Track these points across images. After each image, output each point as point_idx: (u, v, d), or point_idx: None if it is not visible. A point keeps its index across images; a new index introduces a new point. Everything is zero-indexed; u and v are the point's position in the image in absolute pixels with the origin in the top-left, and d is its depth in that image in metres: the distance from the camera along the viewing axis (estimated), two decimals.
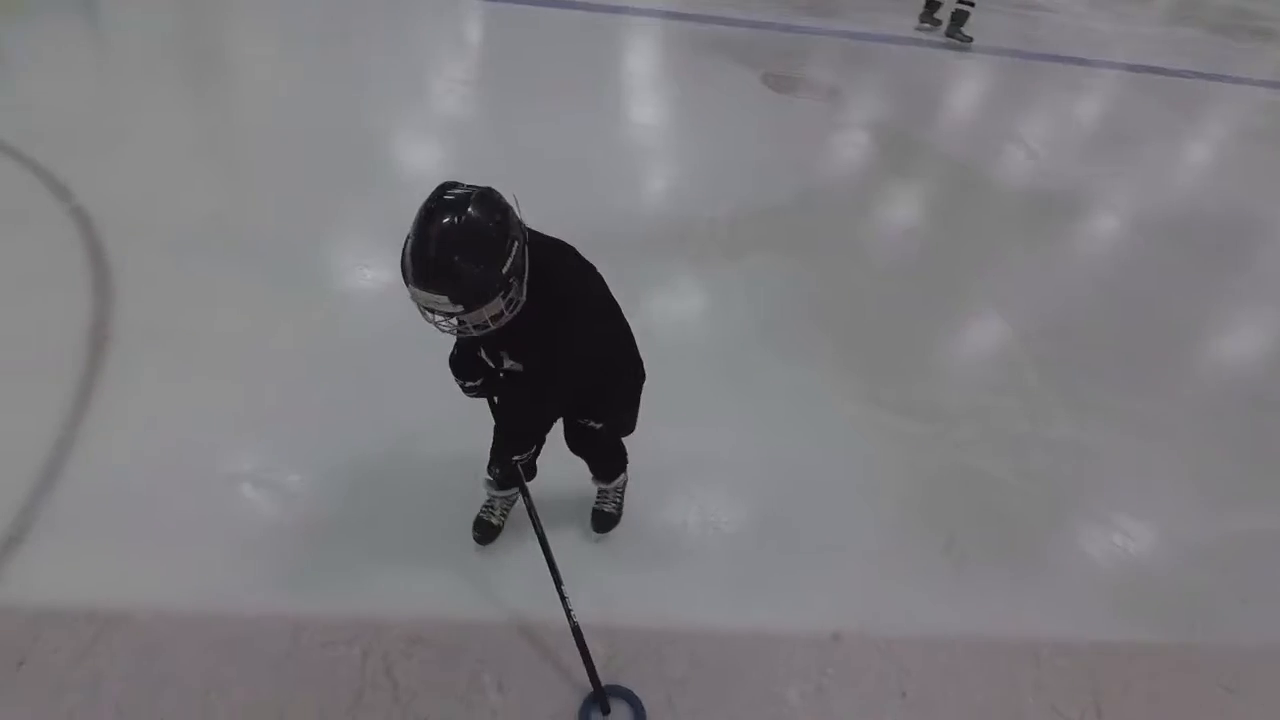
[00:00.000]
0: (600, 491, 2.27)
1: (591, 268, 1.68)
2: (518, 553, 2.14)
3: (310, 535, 2.19)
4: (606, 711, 1.85)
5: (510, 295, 1.44)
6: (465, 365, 1.80)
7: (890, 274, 3.76)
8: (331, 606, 2.00)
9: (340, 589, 2.05)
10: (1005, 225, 4.39)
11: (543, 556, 1.91)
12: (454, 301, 1.35)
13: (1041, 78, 6.68)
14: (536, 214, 1.59)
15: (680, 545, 2.32)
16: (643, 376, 1.94)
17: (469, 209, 1.36)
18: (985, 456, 2.77)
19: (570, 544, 2.18)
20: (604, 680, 1.87)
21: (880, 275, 3.74)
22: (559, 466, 2.15)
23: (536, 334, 1.55)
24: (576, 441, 2.06)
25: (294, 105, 4.62)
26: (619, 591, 2.14)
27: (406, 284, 1.38)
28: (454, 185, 1.42)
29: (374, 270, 3.28)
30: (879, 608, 2.21)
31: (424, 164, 4.27)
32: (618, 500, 2.29)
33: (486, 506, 2.23)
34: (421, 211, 1.38)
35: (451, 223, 1.35)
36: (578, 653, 1.87)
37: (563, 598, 1.89)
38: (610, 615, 2.05)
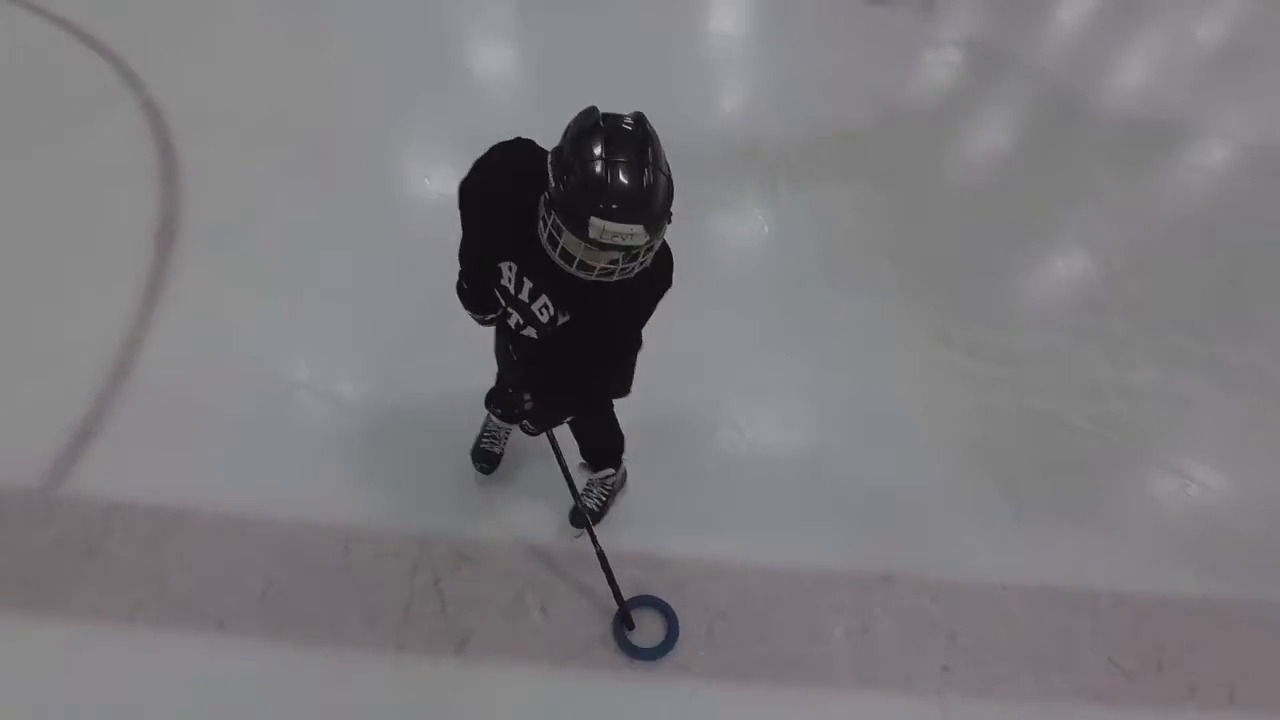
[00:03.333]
0: (587, 483, 2.10)
1: None
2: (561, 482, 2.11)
3: (362, 447, 2.22)
4: (630, 627, 1.88)
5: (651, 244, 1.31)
6: (482, 300, 1.64)
7: (970, 206, 3.51)
8: (382, 519, 2.04)
9: (391, 503, 2.08)
10: (1101, 156, 4.03)
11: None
12: (646, 231, 1.24)
13: None
14: None
15: (730, 478, 2.28)
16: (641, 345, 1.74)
17: (648, 138, 1.27)
18: (1058, 400, 2.62)
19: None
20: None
21: (959, 207, 3.49)
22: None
23: (621, 285, 1.39)
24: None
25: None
26: (663, 521, 2.14)
27: (588, 215, 1.22)
28: (611, 115, 1.28)
29: (434, 182, 3.21)
30: (934, 551, 2.15)
31: (493, 71, 4.12)
32: (603, 498, 2.10)
33: (489, 436, 2.18)
34: (595, 137, 1.25)
35: (638, 150, 1.25)
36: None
37: (590, 526, 1.91)
38: (654, 545, 2.05)
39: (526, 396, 1.61)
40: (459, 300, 1.65)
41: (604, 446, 2.07)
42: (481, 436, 2.19)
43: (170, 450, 2.14)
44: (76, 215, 2.82)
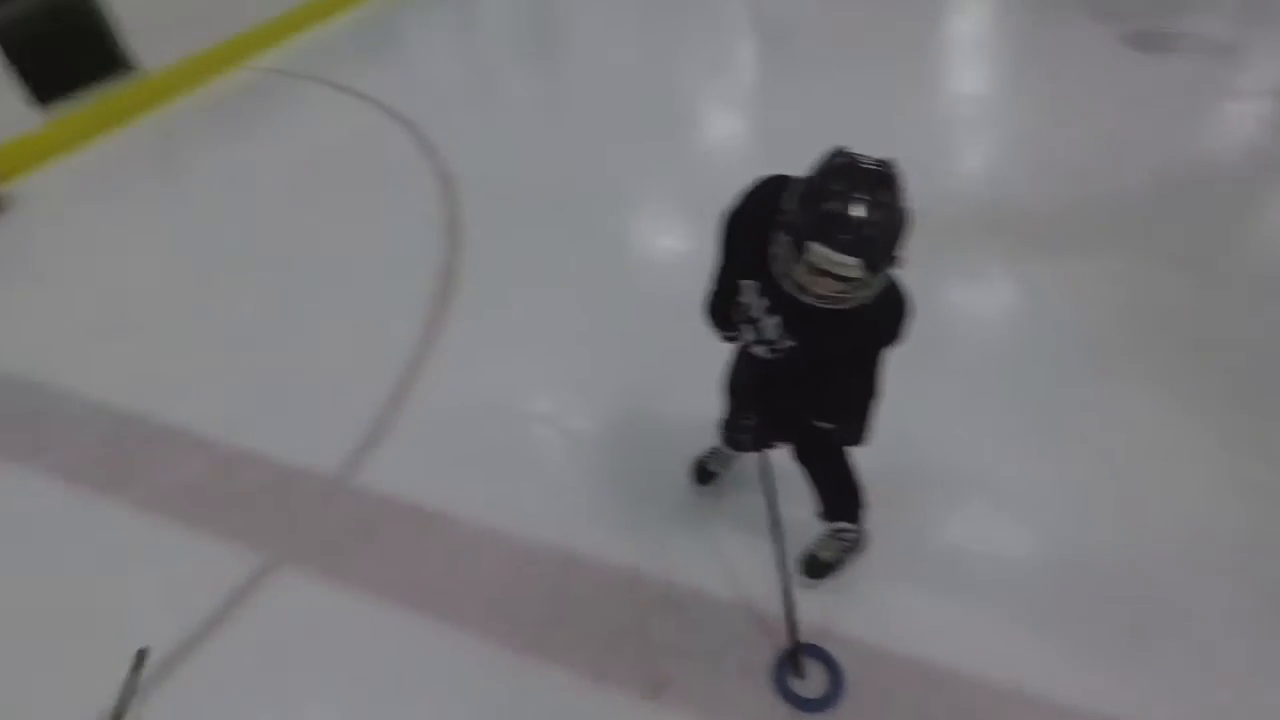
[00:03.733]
0: (824, 531, 2.05)
1: None
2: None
3: (591, 480, 2.39)
4: (801, 675, 1.82)
5: (884, 277, 1.38)
6: (725, 316, 1.76)
7: (1274, 289, 2.93)
8: (602, 550, 2.17)
9: (611, 535, 2.21)
10: None
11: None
12: (864, 268, 1.31)
13: None
14: None
15: (957, 573, 2.08)
16: (880, 394, 1.72)
17: (890, 180, 1.33)
18: None
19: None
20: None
21: (1258, 290, 2.92)
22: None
23: (849, 321, 1.45)
24: (804, 447, 1.92)
25: (622, 74, 5.00)
26: (880, 609, 2.00)
27: (809, 241, 1.32)
28: (858, 154, 1.36)
29: (671, 238, 3.46)
30: (1222, 708, 1.77)
31: (729, 137, 4.36)
32: (838, 553, 2.04)
33: (711, 455, 2.29)
34: (839, 173, 1.34)
35: (877, 190, 1.32)
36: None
37: (784, 564, 1.88)
38: (869, 635, 1.94)
39: (750, 416, 1.72)
40: (706, 316, 1.81)
41: (838, 497, 2.00)
42: (705, 454, 2.29)
43: (432, 461, 2.47)
44: (380, 258, 3.41)
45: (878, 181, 1.32)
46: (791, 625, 1.88)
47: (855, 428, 1.72)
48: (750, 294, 1.62)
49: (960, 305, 2.94)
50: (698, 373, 2.66)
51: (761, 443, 1.84)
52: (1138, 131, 3.89)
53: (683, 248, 3.45)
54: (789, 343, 1.60)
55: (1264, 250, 3.23)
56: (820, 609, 1.97)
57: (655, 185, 3.89)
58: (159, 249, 3.59)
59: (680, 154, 4.11)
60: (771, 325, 1.61)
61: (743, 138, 4.28)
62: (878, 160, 1.35)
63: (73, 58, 4.57)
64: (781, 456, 1.93)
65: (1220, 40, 4.73)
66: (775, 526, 1.92)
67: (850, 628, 1.95)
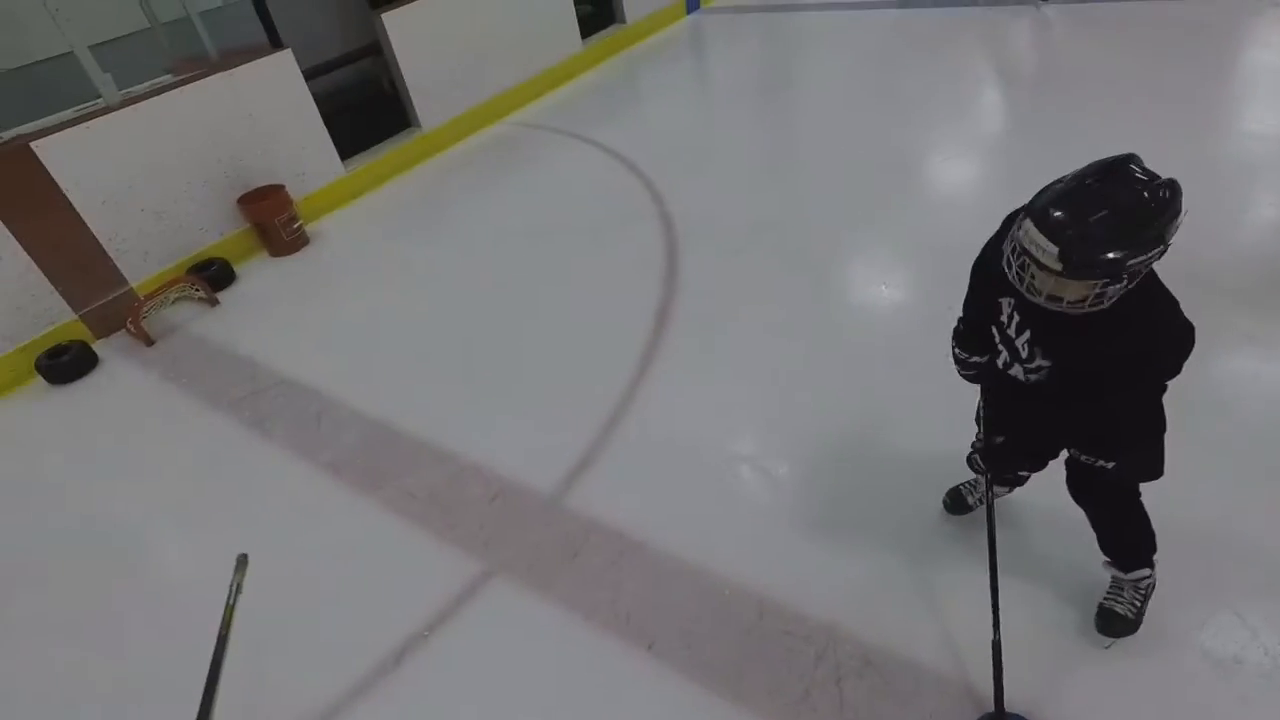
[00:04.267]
0: (1113, 582, 1.88)
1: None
2: (983, 619, 1.90)
3: (788, 526, 2.36)
4: None
5: (1106, 290, 1.30)
6: (975, 340, 1.74)
7: None
8: (796, 598, 2.12)
9: (806, 585, 2.16)
10: None
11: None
12: (1059, 258, 1.27)
13: None
14: None
15: (1222, 684, 1.78)
16: (1164, 426, 1.58)
17: (1140, 188, 1.27)
18: None
19: (1055, 654, 1.88)
20: None
21: None
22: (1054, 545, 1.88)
23: (1104, 341, 1.38)
24: (1079, 485, 1.78)
25: (845, 124, 4.99)
26: (1110, 692, 1.79)
27: (1023, 216, 1.33)
28: (1139, 162, 1.31)
29: (890, 288, 3.35)
30: None
31: (952, 185, 4.16)
32: (1137, 603, 1.85)
33: (969, 484, 2.23)
34: (1094, 165, 1.32)
35: (1115, 189, 1.27)
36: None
37: (996, 613, 1.75)
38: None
39: (999, 438, 1.71)
40: (952, 346, 1.83)
41: (1126, 538, 1.83)
42: (964, 484, 2.26)
43: (639, 490, 2.57)
44: (604, 297, 3.65)
45: (1124, 182, 1.25)
46: (999, 688, 1.72)
47: (1137, 461, 1.60)
48: (1007, 311, 1.58)
49: (1241, 375, 2.53)
50: (908, 423, 2.61)
51: (1009, 466, 1.77)
52: None
53: (900, 296, 3.34)
54: (1042, 361, 1.54)
55: None
56: (1041, 677, 1.79)
57: (875, 234, 3.80)
58: (416, 279, 4.13)
59: (907, 202, 3.98)
60: (1022, 343, 1.55)
61: (972, 188, 4.06)
62: (1151, 173, 1.27)
63: (370, 119, 5.47)
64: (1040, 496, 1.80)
65: None
66: (993, 578, 1.80)
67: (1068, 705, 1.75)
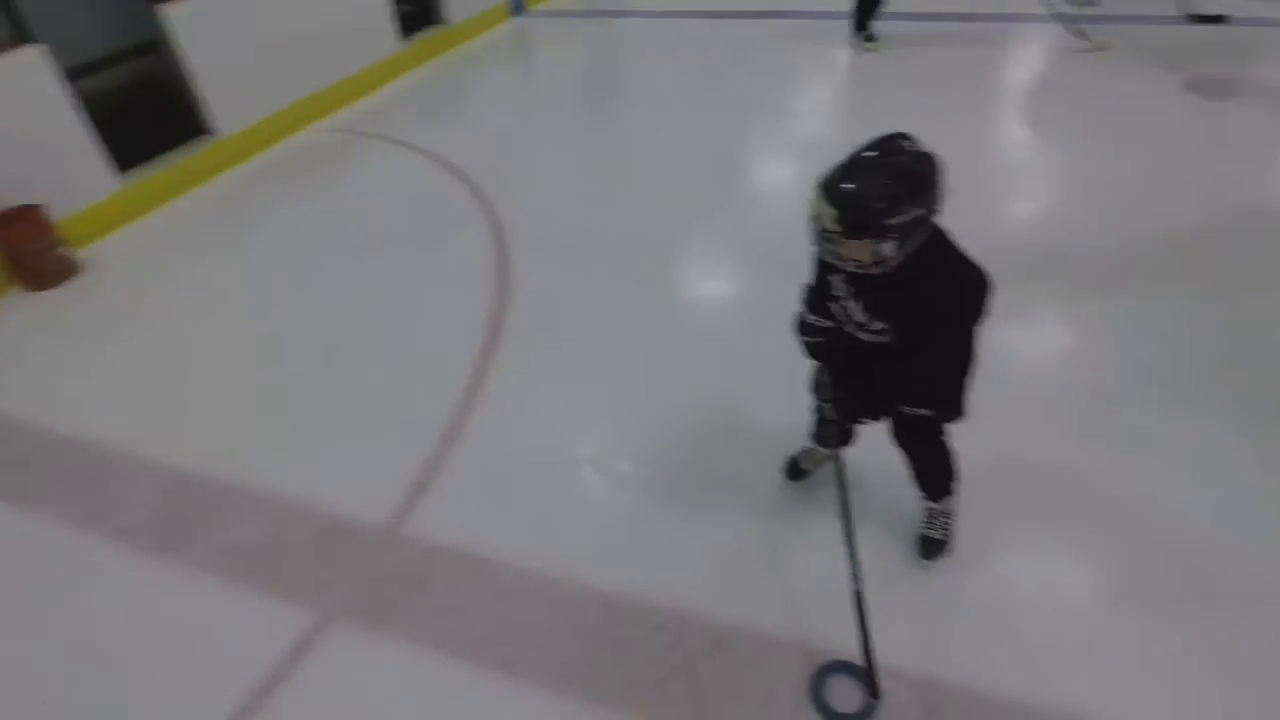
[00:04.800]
0: (928, 514, 2.18)
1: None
2: (825, 570, 2.10)
3: (634, 521, 2.41)
4: (874, 694, 1.83)
5: (880, 248, 1.49)
6: (822, 306, 1.88)
7: None
8: (646, 591, 2.17)
9: (655, 576, 2.21)
10: None
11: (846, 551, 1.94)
12: (837, 221, 1.47)
13: None
14: None
15: (1007, 603, 2.08)
16: (976, 365, 1.82)
17: (905, 158, 1.49)
18: None
19: (881, 576, 2.08)
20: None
21: None
22: (885, 497, 2.06)
23: (918, 300, 1.59)
24: (904, 433, 2.02)
25: (671, 128, 5.14)
26: (927, 635, 2.00)
27: (815, 186, 1.52)
28: (908, 138, 1.52)
29: (718, 283, 3.51)
30: None
31: (777, 185, 4.43)
32: (946, 527, 2.17)
33: (804, 451, 2.41)
34: (876, 139, 1.52)
35: (885, 159, 1.49)
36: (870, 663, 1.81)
37: (854, 565, 1.92)
38: (912, 658, 1.94)
39: (841, 398, 1.90)
40: (798, 326, 1.96)
41: (939, 474, 2.11)
42: (798, 452, 2.43)
43: (482, 505, 2.51)
44: (435, 306, 3.52)
45: (892, 153, 1.47)
46: (865, 635, 1.87)
47: (948, 407, 1.84)
48: (839, 285, 1.75)
49: (1011, 345, 2.89)
50: (744, 407, 2.75)
51: (851, 421, 1.95)
52: (1196, 176, 3.91)
53: (731, 293, 3.51)
54: (881, 324, 1.70)
55: None
56: (880, 608, 1.96)
57: (704, 234, 3.96)
58: (220, 306, 3.76)
59: (732, 203, 4.18)
60: (858, 309, 1.73)
61: (794, 188, 4.33)
62: (917, 147, 1.49)
63: (154, 126, 4.90)
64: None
65: (1277, 88, 4.70)
66: (848, 532, 1.97)
67: (899, 649, 1.94)
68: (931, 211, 1.51)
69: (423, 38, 6.74)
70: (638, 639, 2.06)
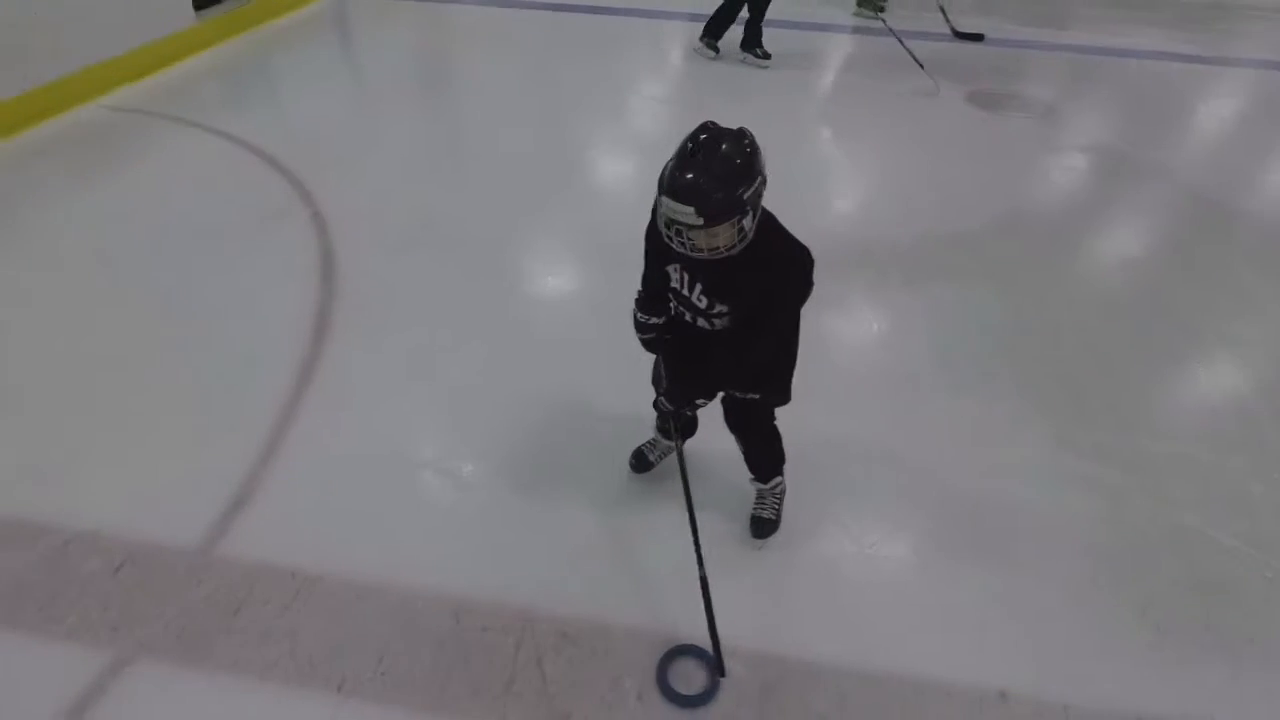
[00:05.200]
0: (759, 495, 2.30)
1: None
2: (668, 558, 2.17)
3: (477, 523, 2.35)
4: (722, 674, 1.92)
5: (742, 224, 1.57)
6: (654, 304, 1.94)
7: (1095, 308, 3.40)
8: (491, 594, 2.13)
9: (500, 578, 2.17)
10: (1251, 260, 3.81)
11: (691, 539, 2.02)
12: (698, 214, 1.52)
13: None
14: None
15: (833, 574, 2.24)
16: (795, 363, 1.99)
17: (726, 139, 1.57)
18: (1202, 516, 2.42)
19: (721, 558, 2.16)
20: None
21: (1083, 309, 3.39)
22: (724, 485, 2.15)
23: (757, 276, 1.67)
24: (735, 418, 2.13)
25: (506, 120, 5.02)
26: (764, 613, 2.11)
27: (659, 195, 1.57)
28: (714, 124, 1.60)
29: (558, 278, 3.49)
30: (1057, 669, 2.00)
31: (613, 179, 4.48)
32: (776, 507, 2.30)
33: (649, 444, 2.47)
34: (686, 139, 1.58)
35: (710, 147, 1.55)
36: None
37: (698, 550, 1.99)
38: (752, 636, 2.03)
39: (679, 385, 1.96)
40: (633, 323, 2.00)
41: (768, 457, 2.23)
42: (644, 444, 2.48)
43: (308, 519, 2.34)
44: (251, 305, 3.23)
45: (713, 140, 1.55)
46: (711, 618, 1.94)
47: (775, 391, 2.00)
48: (676, 276, 1.82)
49: (829, 332, 3.14)
50: (586, 402, 2.75)
51: (685, 403, 2.00)
52: (978, 178, 4.42)
53: (571, 286, 3.51)
54: (721, 307, 1.77)
55: (1078, 276, 3.71)
56: (717, 589, 2.02)
57: (541, 228, 3.92)
58: None
59: (568, 197, 4.17)
60: (696, 295, 1.79)
61: (631, 182, 4.39)
62: (725, 127, 1.59)
63: None
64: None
65: (1045, 101, 5.41)
66: (691, 519, 2.04)
67: (737, 628, 2.02)
68: (765, 178, 1.60)
69: (222, 10, 6.11)
70: (484, 642, 2.01)
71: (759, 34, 5.85)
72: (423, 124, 5.16)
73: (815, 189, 4.29)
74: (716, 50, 5.98)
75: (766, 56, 5.88)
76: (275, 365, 2.90)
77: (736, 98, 5.38)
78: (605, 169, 4.64)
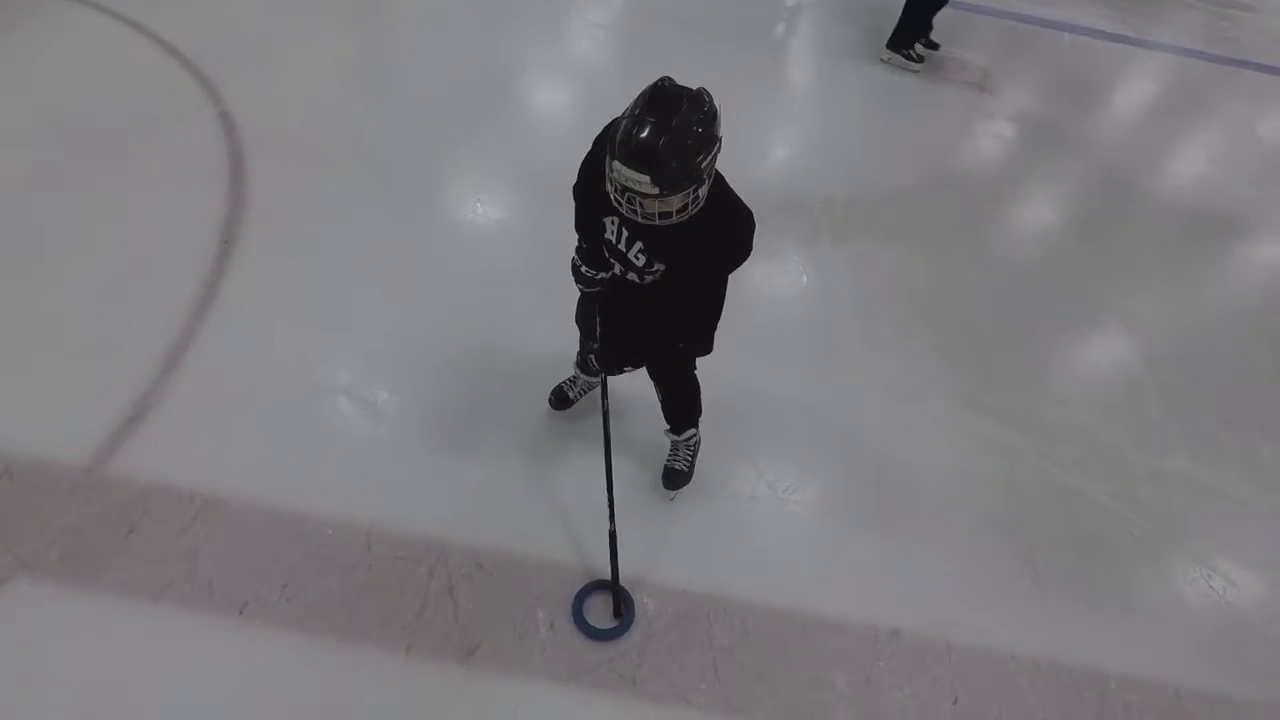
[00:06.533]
0: (672, 447, 2.30)
1: None
2: (585, 496, 2.18)
3: (392, 453, 2.30)
4: (619, 615, 1.97)
5: (698, 193, 1.50)
6: (594, 257, 1.84)
7: (1010, 275, 3.54)
8: (405, 522, 2.10)
9: (414, 507, 2.15)
10: (1151, 241, 4.03)
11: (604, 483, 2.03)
12: (653, 183, 1.43)
13: (1228, 85, 6.03)
14: None
15: (745, 517, 2.32)
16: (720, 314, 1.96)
17: (684, 102, 1.45)
18: (1083, 476, 2.61)
19: (636, 501, 2.21)
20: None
21: (999, 275, 3.52)
22: (643, 426, 2.17)
23: (700, 239, 1.61)
24: (659, 365, 2.11)
25: (441, 36, 4.72)
26: (676, 552, 2.17)
27: (611, 159, 1.46)
28: (671, 81, 1.49)
29: (486, 206, 3.36)
30: (945, 612, 2.15)
31: (549, 106, 4.30)
32: (689, 459, 2.31)
33: (569, 380, 2.43)
34: (641, 98, 1.47)
35: (667, 112, 1.44)
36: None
37: (611, 505, 2.01)
38: (664, 574, 2.09)
39: (611, 340, 1.91)
40: (572, 272, 1.87)
41: (685, 408, 2.22)
42: (564, 381, 2.44)
43: (211, 440, 2.24)
44: (148, 212, 2.99)
45: (671, 102, 1.44)
46: (615, 567, 1.98)
47: (701, 340, 1.95)
48: (612, 230, 1.72)
49: (758, 282, 3.15)
50: (509, 335, 2.70)
51: (619, 363, 1.95)
52: (910, 140, 4.45)
53: (496, 216, 3.38)
54: (659, 265, 1.70)
55: (996, 242, 3.84)
56: (631, 536, 2.07)
57: (470, 153, 3.74)
58: None
59: (501, 124, 3.98)
60: (635, 253, 1.71)
61: (567, 111, 4.24)
62: (683, 88, 1.48)
63: None
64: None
65: (981, 68, 5.47)
66: (608, 473, 2.04)
67: (652, 567, 2.09)
68: (720, 142, 1.51)
69: None
70: (397, 570, 1.99)
71: (919, 32, 5.10)
72: (353, 32, 4.80)
73: (757, 141, 4.23)
74: (920, 59, 5.12)
75: (920, 60, 5.09)
76: (178, 278, 2.71)
77: (681, 28, 5.21)
78: (540, 97, 4.44)
